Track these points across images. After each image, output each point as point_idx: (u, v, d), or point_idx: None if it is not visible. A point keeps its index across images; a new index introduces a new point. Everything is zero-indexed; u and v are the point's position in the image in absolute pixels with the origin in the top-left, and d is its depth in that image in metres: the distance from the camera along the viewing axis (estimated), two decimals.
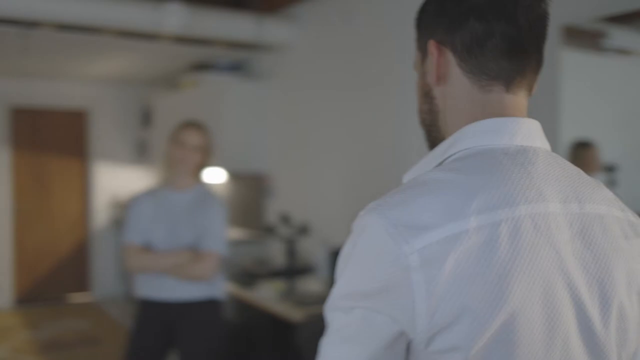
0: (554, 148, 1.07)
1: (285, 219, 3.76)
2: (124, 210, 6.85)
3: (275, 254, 4.79)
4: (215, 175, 5.48)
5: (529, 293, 0.80)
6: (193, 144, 2.94)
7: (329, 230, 4.39)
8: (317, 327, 2.99)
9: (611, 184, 2.62)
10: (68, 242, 7.51)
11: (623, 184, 2.66)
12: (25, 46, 4.84)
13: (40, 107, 7.23)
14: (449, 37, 0.92)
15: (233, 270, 4.99)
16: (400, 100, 3.77)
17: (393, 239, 0.80)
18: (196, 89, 5.71)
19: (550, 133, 1.37)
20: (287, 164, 5.09)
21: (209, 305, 2.90)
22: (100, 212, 7.60)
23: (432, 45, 0.94)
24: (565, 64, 2.69)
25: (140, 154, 7.62)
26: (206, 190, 2.99)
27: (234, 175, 5.91)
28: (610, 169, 2.67)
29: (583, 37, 2.76)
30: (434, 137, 0.99)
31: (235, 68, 5.58)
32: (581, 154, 2.75)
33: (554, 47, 2.63)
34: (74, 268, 7.52)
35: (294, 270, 4.49)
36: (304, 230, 3.73)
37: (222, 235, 2.90)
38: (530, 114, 0.96)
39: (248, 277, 4.57)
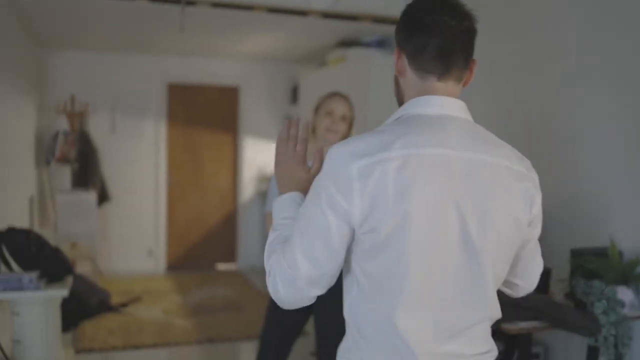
0: None
1: None
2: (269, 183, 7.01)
3: None
4: None
5: (421, 201, 1.28)
6: (341, 113, 2.93)
7: None
8: None
9: None
10: (217, 214, 7.85)
11: None
12: (182, 24, 5.06)
13: (194, 83, 7.59)
14: (404, 46, 1.43)
15: None
16: (550, 92, 3.55)
17: (344, 160, 1.31)
18: (343, 64, 5.71)
19: None
20: None
21: None
22: (248, 185, 7.87)
23: (396, 51, 1.46)
24: None
25: None
26: None
27: None
28: None
29: None
30: (400, 106, 1.48)
31: (382, 43, 5.51)
32: None
33: None
34: (222, 239, 7.86)
35: None
36: None
37: None
38: None
39: None
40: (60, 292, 4.10)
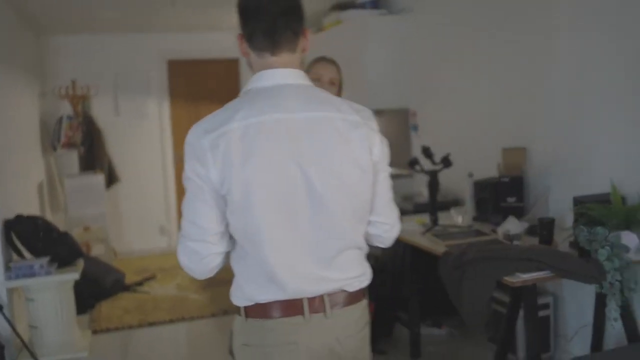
0: None
1: (428, 153, 3.62)
2: None
3: (422, 189, 4.68)
4: None
5: (264, 163, 1.50)
6: (329, 78, 2.90)
7: (474, 163, 4.21)
8: (457, 259, 2.89)
9: None
10: None
11: None
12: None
13: (194, 58, 7.54)
14: (242, 31, 1.64)
15: None
16: (548, 42, 3.48)
17: (198, 136, 1.54)
18: (338, 28, 5.63)
19: None
20: (431, 99, 4.91)
21: None
22: None
23: (238, 36, 1.65)
24: None
25: None
26: None
27: (379, 111, 5.83)
28: None
29: None
30: None
31: (377, 4, 5.42)
32: None
33: None
34: None
35: (439, 203, 4.38)
36: (446, 162, 3.57)
37: None
38: None
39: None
40: (71, 276, 4.14)
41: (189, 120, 7.57)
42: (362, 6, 5.41)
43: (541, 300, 3.60)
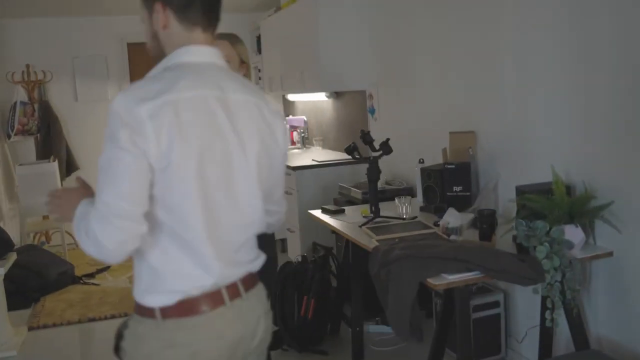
0: None
1: (366, 138, 3.32)
2: None
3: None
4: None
5: (208, 133, 1.47)
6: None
7: (428, 149, 3.93)
8: (384, 256, 2.60)
9: None
10: None
11: None
12: None
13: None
14: (168, 2, 1.54)
15: (331, 195, 4.69)
16: (498, 30, 3.20)
17: (130, 105, 1.40)
18: (294, 6, 5.33)
19: None
20: (388, 82, 4.62)
21: None
22: None
23: (159, 6, 1.55)
24: None
25: (257, 82, 7.42)
26: None
27: (337, 93, 5.55)
28: None
29: None
30: (159, 59, 1.58)
31: None
32: None
33: None
34: None
35: (391, 192, 4.16)
36: (385, 148, 3.27)
37: None
38: None
39: (344, 202, 4.26)
40: None
41: None
42: None
43: (491, 298, 3.34)
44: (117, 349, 1.60)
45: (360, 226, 3.21)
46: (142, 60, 7.20)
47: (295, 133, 6.70)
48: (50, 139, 6.79)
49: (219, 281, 1.52)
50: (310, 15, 4.98)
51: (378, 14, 4.66)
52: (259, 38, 6.92)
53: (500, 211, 3.24)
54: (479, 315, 3.28)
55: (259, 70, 7.11)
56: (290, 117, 7.05)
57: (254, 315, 1.62)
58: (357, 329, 3.51)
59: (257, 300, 1.65)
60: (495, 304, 3.34)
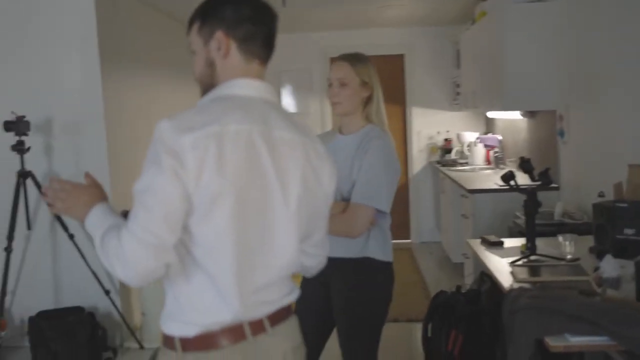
0: None
1: (526, 167, 3.00)
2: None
3: (553, 207, 4.00)
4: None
5: (249, 170, 1.44)
6: (337, 78, 2.49)
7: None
8: (513, 302, 2.31)
9: None
10: None
11: None
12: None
13: None
14: (233, 31, 1.54)
15: (507, 224, 4.36)
16: None
17: (174, 133, 1.37)
18: (485, 19, 5.05)
19: None
20: (581, 101, 4.15)
21: (363, 265, 2.48)
22: (418, 157, 7.48)
23: (221, 34, 1.53)
24: None
25: (454, 97, 7.20)
26: (372, 133, 2.50)
27: (530, 113, 5.14)
28: None
29: None
30: (208, 89, 1.57)
31: None
32: None
33: None
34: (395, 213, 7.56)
35: (563, 225, 3.79)
36: (545, 179, 2.92)
37: (379, 186, 2.42)
38: None
39: (516, 232, 3.92)
40: None
41: None
42: None
43: None
44: None
45: (510, 263, 2.92)
46: None
47: (491, 152, 6.38)
48: None
49: (240, 317, 1.47)
50: (496, 30, 4.68)
51: (570, 28, 4.22)
52: (458, 52, 6.71)
53: None
54: None
55: (458, 86, 6.88)
56: (484, 135, 6.73)
57: (279, 350, 1.56)
58: None
59: (285, 336, 1.59)
60: None
